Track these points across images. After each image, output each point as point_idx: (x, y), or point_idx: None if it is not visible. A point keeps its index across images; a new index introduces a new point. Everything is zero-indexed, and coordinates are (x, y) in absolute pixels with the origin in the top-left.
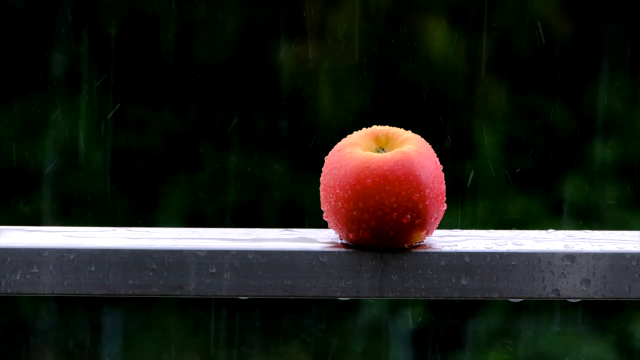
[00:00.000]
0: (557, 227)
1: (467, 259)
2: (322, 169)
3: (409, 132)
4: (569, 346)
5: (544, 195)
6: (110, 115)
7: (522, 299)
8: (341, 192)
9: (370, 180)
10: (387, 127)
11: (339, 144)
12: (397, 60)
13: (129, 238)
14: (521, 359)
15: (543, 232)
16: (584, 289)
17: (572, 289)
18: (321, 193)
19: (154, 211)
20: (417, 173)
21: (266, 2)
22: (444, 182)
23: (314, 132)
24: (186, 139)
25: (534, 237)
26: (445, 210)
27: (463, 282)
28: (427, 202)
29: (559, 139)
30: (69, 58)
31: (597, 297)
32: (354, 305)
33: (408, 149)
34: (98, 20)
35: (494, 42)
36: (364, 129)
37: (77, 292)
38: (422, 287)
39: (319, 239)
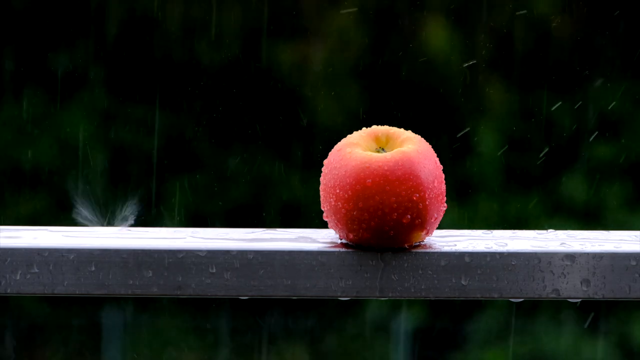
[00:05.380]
0: (557, 227)
1: (467, 259)
2: (322, 169)
3: (409, 132)
4: (569, 346)
5: (544, 195)
6: (110, 114)
7: (522, 299)
8: (341, 192)
9: (370, 180)
10: (387, 127)
11: (339, 144)
12: (397, 59)
13: (129, 238)
14: (521, 359)
15: (543, 232)
16: (584, 289)
17: (572, 289)
18: (321, 193)
19: (154, 211)
20: (417, 173)
21: (265, 2)
22: (444, 182)
23: (314, 131)
24: (186, 139)
25: (534, 237)
26: (445, 210)
27: (463, 282)
28: (427, 202)
29: (559, 138)
30: (70, 57)
31: (597, 297)
32: (354, 305)
33: (408, 149)
34: (98, 20)
35: (494, 41)
36: (364, 128)
37: (77, 292)
38: (422, 287)
39: (319, 239)
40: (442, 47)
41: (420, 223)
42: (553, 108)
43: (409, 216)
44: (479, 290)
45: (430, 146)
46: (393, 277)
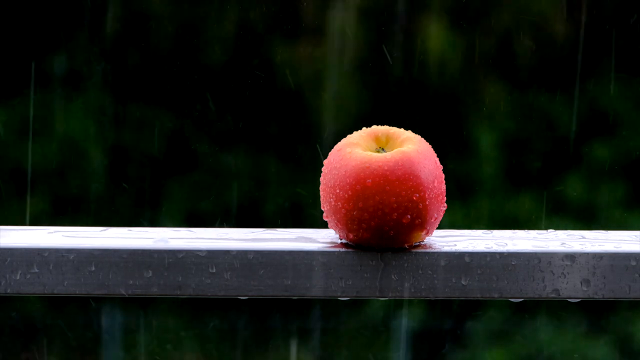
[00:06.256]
0: (557, 227)
1: (467, 259)
2: (322, 169)
3: (409, 132)
4: (569, 346)
5: (544, 195)
6: (110, 114)
7: (522, 299)
8: (341, 192)
9: (370, 180)
10: (387, 127)
11: (339, 144)
12: (397, 59)
13: (129, 238)
14: (521, 359)
15: (543, 232)
16: (584, 289)
17: (572, 289)
18: (321, 193)
19: (154, 211)
20: (417, 173)
21: (265, 0)
22: (444, 182)
23: (314, 131)
24: (186, 138)
25: (534, 237)
26: (446, 210)
27: (463, 282)
28: (427, 202)
29: (559, 138)
30: (69, 57)
31: (597, 297)
32: (353, 305)
33: (408, 148)
34: (98, 20)
35: (494, 41)
36: (364, 128)
37: (77, 292)
38: (422, 287)
39: (319, 239)
40: (442, 46)
41: (420, 223)
42: (553, 108)
43: (409, 216)
44: (479, 290)
45: (430, 146)
46: (393, 277)
